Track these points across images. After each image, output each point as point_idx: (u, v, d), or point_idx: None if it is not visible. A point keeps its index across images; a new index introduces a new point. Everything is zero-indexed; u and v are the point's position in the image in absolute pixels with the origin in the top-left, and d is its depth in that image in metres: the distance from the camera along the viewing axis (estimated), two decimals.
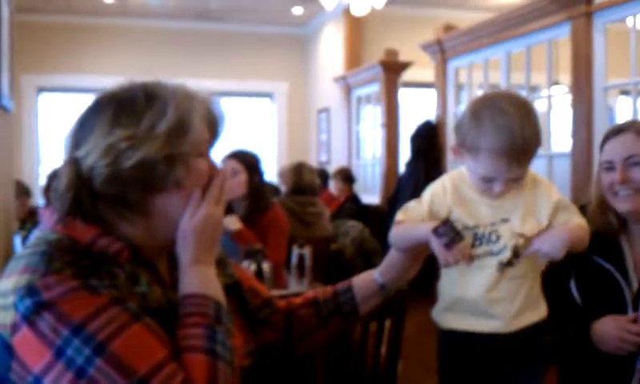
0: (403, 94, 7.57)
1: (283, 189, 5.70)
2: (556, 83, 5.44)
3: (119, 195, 1.11)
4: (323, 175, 7.18)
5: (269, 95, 9.79)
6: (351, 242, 4.51)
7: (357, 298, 1.51)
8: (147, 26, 9.02)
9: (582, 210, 1.61)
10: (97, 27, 8.79)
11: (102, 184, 1.10)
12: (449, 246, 1.41)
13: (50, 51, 8.60)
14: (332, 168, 7.97)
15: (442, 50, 6.42)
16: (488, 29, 5.65)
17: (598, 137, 4.30)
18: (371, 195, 7.55)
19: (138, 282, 1.11)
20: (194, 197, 1.17)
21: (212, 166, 1.22)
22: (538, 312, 1.58)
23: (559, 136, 5.29)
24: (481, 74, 5.93)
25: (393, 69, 7.24)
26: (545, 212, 1.52)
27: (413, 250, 1.50)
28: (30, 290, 0.99)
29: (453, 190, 1.55)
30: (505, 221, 1.51)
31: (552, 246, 1.44)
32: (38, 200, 6.40)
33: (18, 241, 3.41)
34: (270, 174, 8.06)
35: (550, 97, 5.18)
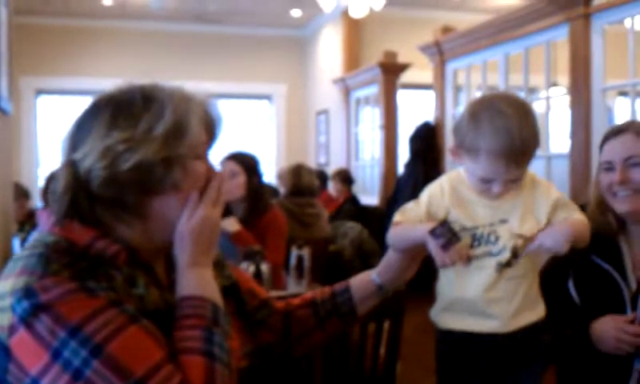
0: (402, 96, 7.58)
1: (282, 190, 5.70)
2: (554, 85, 5.46)
3: (116, 197, 1.11)
4: (322, 176, 7.18)
5: (267, 97, 9.80)
6: (350, 243, 4.51)
7: (354, 299, 1.51)
8: (146, 28, 9.03)
9: (581, 209, 1.61)
10: (95, 30, 8.80)
11: (99, 186, 1.10)
12: (446, 247, 1.42)
13: (49, 53, 8.61)
14: (331, 169, 7.98)
15: (440, 52, 6.43)
16: (486, 30, 5.66)
17: (596, 138, 4.31)
18: (370, 196, 7.56)
19: (135, 284, 1.11)
20: (192, 199, 1.17)
21: (209, 168, 1.21)
22: (537, 312, 1.58)
23: (558, 137, 5.30)
24: (479, 75, 5.94)
25: (391, 70, 7.25)
26: (543, 211, 1.52)
27: (410, 250, 1.50)
28: (27, 292, 0.99)
29: (451, 191, 1.55)
30: (503, 221, 1.51)
31: (555, 240, 1.44)
32: (37, 202, 6.40)
33: (16, 243, 3.42)
34: (269, 175, 8.06)
35: (548, 98, 5.18)
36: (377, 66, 7.24)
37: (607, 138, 1.90)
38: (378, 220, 6.20)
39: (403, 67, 7.24)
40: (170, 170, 1.13)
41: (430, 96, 6.81)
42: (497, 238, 1.51)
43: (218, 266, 1.33)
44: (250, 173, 3.57)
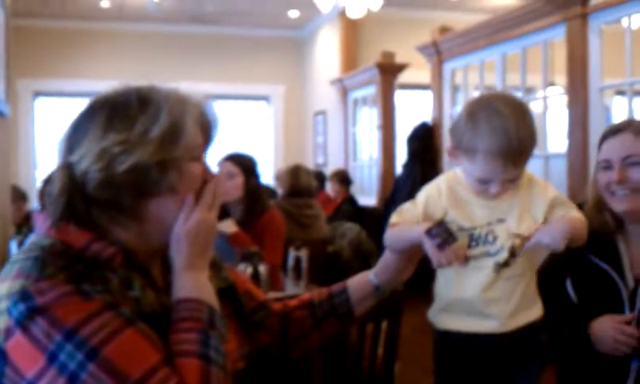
0: (399, 96, 7.58)
1: (280, 191, 5.71)
2: (552, 84, 5.46)
3: (112, 200, 1.11)
4: (320, 177, 7.18)
5: (265, 98, 9.81)
6: (348, 243, 4.51)
7: (352, 300, 1.51)
8: (143, 30, 9.02)
9: (579, 208, 1.61)
10: (93, 32, 8.79)
11: (95, 188, 1.09)
12: (441, 246, 1.42)
13: (47, 56, 8.61)
14: (329, 170, 7.97)
15: (437, 52, 6.43)
16: (484, 30, 5.66)
17: (593, 137, 4.31)
18: (368, 197, 7.56)
19: (131, 286, 1.10)
20: (188, 201, 1.16)
21: (206, 170, 1.21)
22: (534, 311, 1.58)
23: (555, 137, 5.30)
24: (477, 75, 5.94)
25: (389, 71, 7.25)
26: (540, 210, 1.52)
27: (407, 251, 1.50)
28: (23, 295, 0.99)
29: (448, 192, 1.55)
30: (501, 221, 1.51)
31: (552, 237, 1.44)
32: (35, 205, 6.39)
33: (14, 245, 3.41)
34: (267, 176, 8.06)
35: (545, 98, 5.19)
36: (374, 67, 7.24)
37: (606, 136, 1.90)
38: (376, 220, 6.20)
39: (401, 67, 7.24)
40: (166, 173, 1.12)
41: (428, 96, 6.82)
42: (494, 238, 1.51)
43: (215, 268, 1.33)
44: (248, 174, 3.57)
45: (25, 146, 8.52)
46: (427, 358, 1.71)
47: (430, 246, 1.42)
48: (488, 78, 5.82)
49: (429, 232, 1.42)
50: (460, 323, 1.56)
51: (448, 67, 6.42)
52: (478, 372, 1.56)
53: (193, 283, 1.15)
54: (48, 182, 1.14)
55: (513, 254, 1.50)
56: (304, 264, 3.37)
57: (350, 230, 4.68)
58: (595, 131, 4.32)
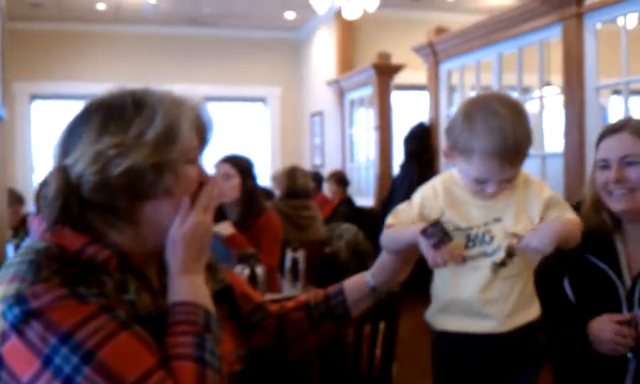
0: (396, 97, 7.58)
1: (277, 193, 5.71)
2: (548, 84, 5.46)
3: (108, 203, 1.10)
4: (317, 178, 7.18)
5: (262, 100, 9.81)
6: (345, 244, 4.51)
7: (348, 301, 1.51)
8: (140, 32, 9.02)
9: (576, 208, 1.61)
10: (90, 34, 8.79)
11: (90, 191, 1.09)
12: (437, 246, 1.42)
13: (43, 58, 8.60)
14: (326, 171, 7.97)
15: (434, 53, 6.44)
16: (479, 31, 5.67)
17: (590, 137, 4.32)
18: (365, 198, 7.56)
19: (126, 289, 1.10)
20: (183, 204, 1.16)
21: (201, 172, 1.21)
22: (532, 311, 1.58)
23: (552, 136, 5.30)
24: (473, 75, 5.95)
25: (385, 72, 7.26)
26: (536, 210, 1.52)
27: (403, 252, 1.50)
28: (18, 299, 0.99)
29: (444, 193, 1.55)
30: (497, 220, 1.51)
31: (540, 241, 1.44)
32: (31, 208, 6.38)
33: (10, 249, 3.40)
34: (264, 178, 8.06)
35: (541, 98, 5.19)
36: (371, 68, 7.25)
37: (603, 135, 1.90)
38: (373, 221, 6.19)
39: (397, 68, 7.25)
40: (162, 175, 1.12)
41: (424, 97, 6.82)
42: (491, 238, 1.51)
43: (211, 270, 1.33)
44: (245, 175, 3.56)
45: (21, 149, 8.51)
46: (425, 359, 1.71)
47: (425, 246, 1.42)
48: (484, 79, 5.83)
49: (424, 232, 1.43)
50: (458, 324, 1.56)
51: (444, 68, 6.42)
52: (476, 372, 1.56)
53: (188, 286, 1.15)
54: (43, 185, 1.13)
55: (510, 253, 1.50)
56: (301, 265, 3.37)
57: (348, 231, 4.68)
58: (591, 131, 4.32)
